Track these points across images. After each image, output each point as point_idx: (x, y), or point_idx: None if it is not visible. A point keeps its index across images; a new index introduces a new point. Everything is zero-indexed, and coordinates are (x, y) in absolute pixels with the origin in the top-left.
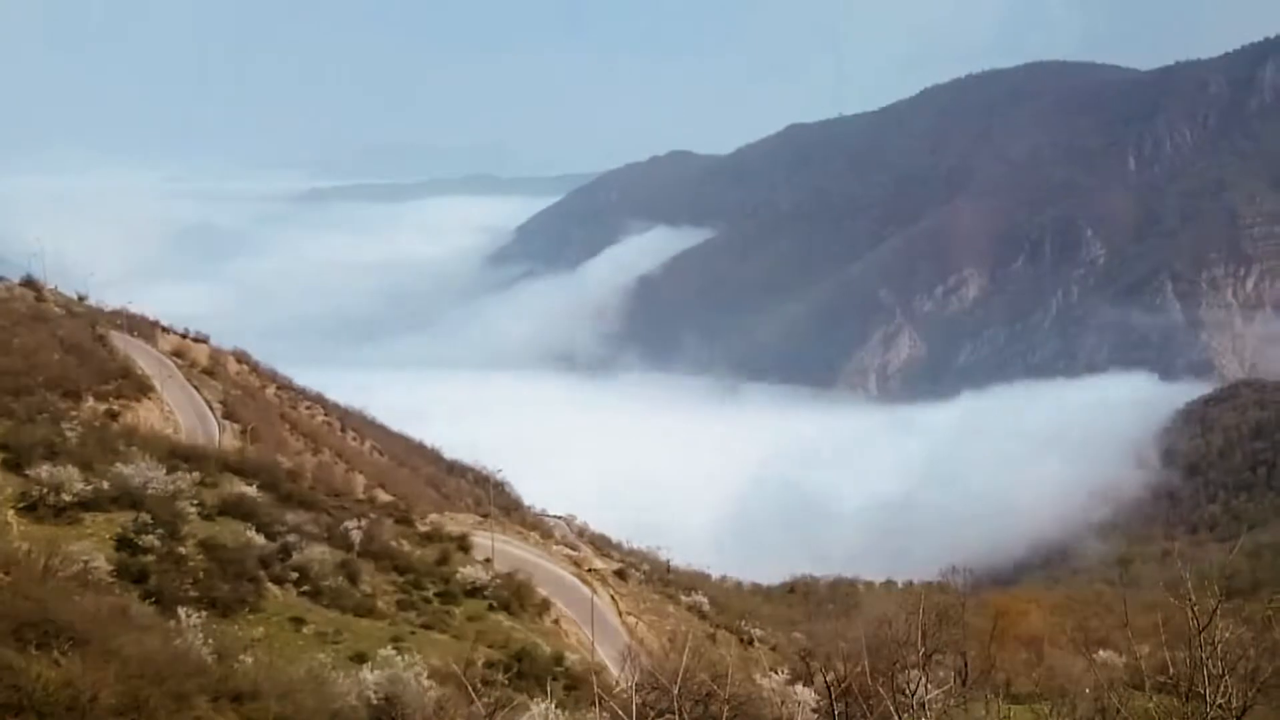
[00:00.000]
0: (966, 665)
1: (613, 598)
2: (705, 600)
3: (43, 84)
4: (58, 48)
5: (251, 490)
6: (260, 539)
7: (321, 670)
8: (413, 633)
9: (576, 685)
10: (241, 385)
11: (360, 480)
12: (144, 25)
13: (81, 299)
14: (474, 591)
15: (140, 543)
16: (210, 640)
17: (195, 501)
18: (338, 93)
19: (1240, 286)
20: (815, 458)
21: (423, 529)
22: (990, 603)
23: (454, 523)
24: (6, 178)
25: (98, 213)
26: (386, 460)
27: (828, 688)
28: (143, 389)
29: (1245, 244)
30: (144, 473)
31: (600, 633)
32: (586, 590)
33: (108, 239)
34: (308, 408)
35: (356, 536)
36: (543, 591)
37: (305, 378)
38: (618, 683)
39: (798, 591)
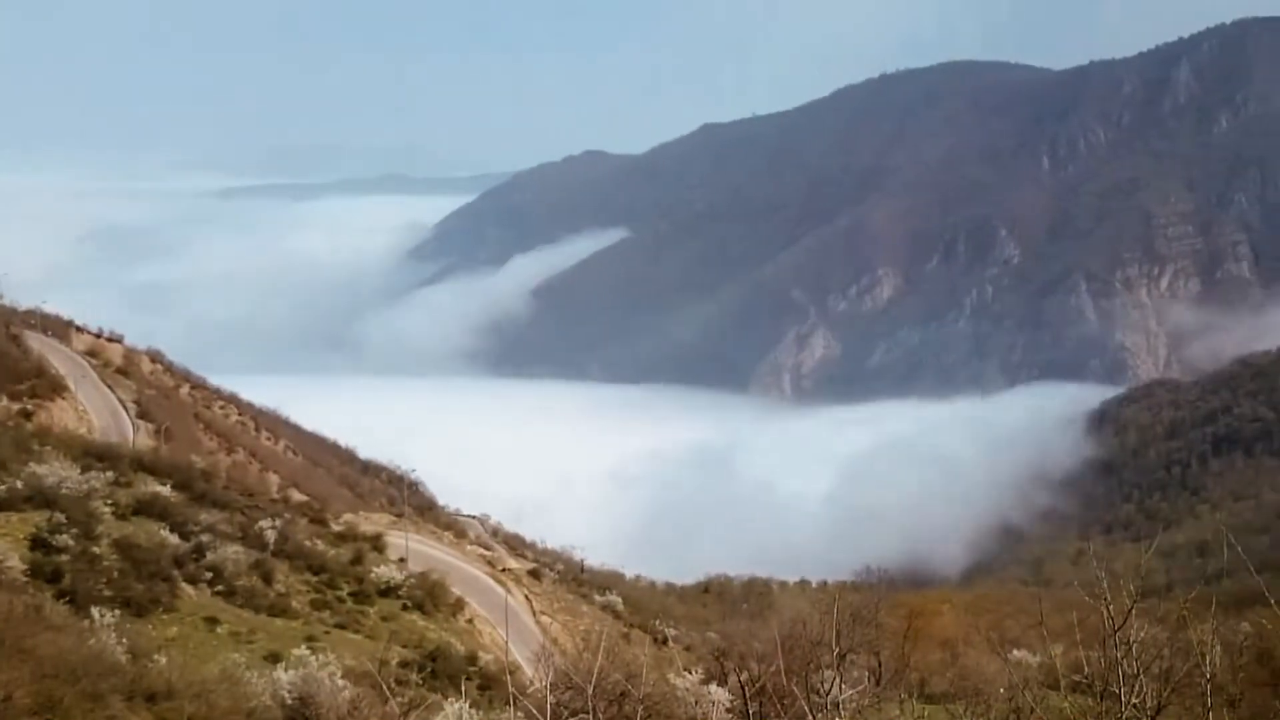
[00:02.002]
0: (880, 665)
1: (527, 597)
2: (619, 600)
3: None
4: None
5: (166, 490)
6: (174, 539)
7: (235, 670)
8: (327, 632)
9: (491, 685)
10: (156, 385)
11: (274, 480)
12: (52, 25)
13: None
14: (388, 591)
15: (54, 542)
16: (124, 640)
17: (109, 501)
18: (251, 93)
19: (1154, 286)
20: (727, 459)
21: (337, 529)
22: (904, 603)
23: (368, 522)
24: None
25: (8, 214)
26: (301, 460)
27: (742, 688)
28: (57, 388)
29: (1159, 244)
30: (58, 472)
31: (514, 632)
32: (500, 590)
33: (19, 240)
34: (221, 407)
35: (271, 536)
36: (457, 591)
37: (218, 377)
38: (532, 682)
39: (712, 591)
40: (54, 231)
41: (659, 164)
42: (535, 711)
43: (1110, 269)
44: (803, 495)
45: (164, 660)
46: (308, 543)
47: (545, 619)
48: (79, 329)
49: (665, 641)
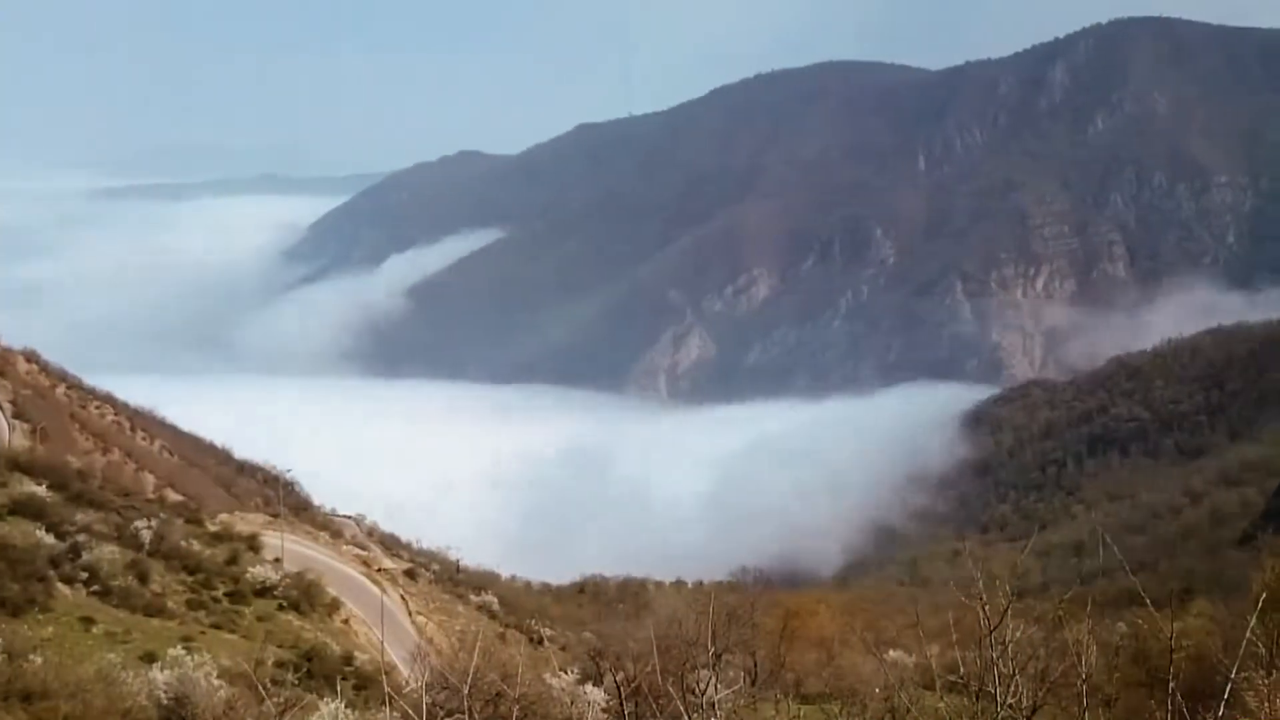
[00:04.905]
0: (756, 665)
1: (402, 597)
2: (495, 600)
3: None
4: None
5: (41, 490)
6: (50, 539)
7: (111, 670)
8: (203, 632)
9: (366, 685)
10: (31, 385)
11: (150, 480)
12: None
13: None
14: (264, 591)
15: None
16: None
17: None
18: (127, 91)
19: (1030, 286)
20: (603, 459)
21: (213, 529)
22: (780, 603)
23: (244, 522)
24: None
25: None
26: (176, 460)
27: (618, 687)
28: None
29: (1035, 243)
30: None
31: (390, 632)
32: (376, 590)
33: None
34: (97, 407)
35: (146, 536)
36: (332, 591)
37: (94, 377)
38: (407, 682)
39: (587, 591)
40: None
41: (535, 164)
42: (411, 711)
43: (986, 269)
44: (678, 496)
45: (39, 660)
46: (183, 543)
47: (421, 619)
48: None
49: (541, 641)
